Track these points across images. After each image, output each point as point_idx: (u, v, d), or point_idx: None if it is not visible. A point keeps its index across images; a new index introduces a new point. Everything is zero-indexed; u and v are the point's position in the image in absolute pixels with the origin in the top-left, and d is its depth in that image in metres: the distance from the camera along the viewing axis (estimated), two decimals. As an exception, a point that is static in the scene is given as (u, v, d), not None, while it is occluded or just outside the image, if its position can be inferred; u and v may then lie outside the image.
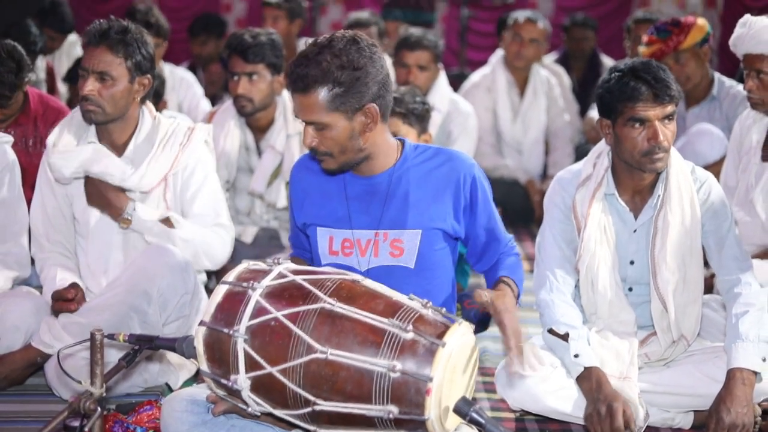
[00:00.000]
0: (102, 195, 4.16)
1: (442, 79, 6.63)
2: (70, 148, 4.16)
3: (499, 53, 7.52)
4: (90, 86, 4.06)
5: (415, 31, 6.67)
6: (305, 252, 3.73)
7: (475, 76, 7.60)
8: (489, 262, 3.64)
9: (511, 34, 7.35)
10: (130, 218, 4.14)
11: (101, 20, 4.10)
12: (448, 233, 3.52)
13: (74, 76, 6.30)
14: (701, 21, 5.84)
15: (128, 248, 4.24)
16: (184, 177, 4.25)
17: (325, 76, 3.24)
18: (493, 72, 7.44)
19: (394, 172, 3.49)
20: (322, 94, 3.26)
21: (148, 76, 4.16)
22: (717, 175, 4.48)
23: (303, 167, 3.64)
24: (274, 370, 2.97)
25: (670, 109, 3.76)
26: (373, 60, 3.30)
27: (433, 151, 3.56)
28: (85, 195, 4.20)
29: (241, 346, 3.00)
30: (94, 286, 4.25)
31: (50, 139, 4.21)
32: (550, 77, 7.60)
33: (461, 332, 3.01)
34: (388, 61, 3.32)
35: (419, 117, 4.59)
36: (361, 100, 3.29)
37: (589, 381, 3.71)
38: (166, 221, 4.18)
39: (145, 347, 3.22)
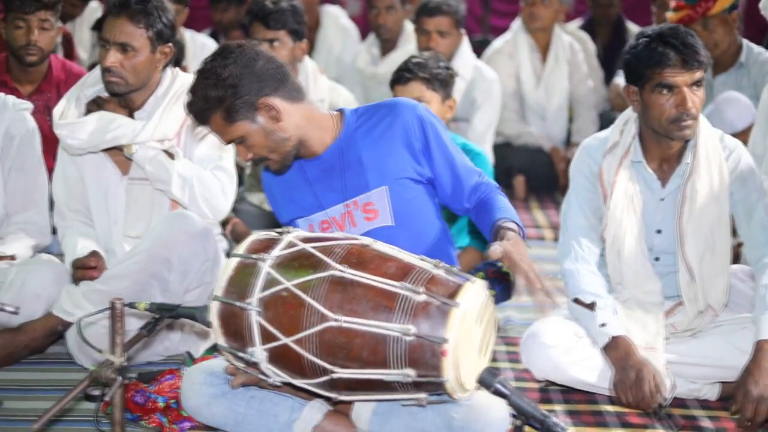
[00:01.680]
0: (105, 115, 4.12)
1: (465, 46, 6.55)
2: (74, 118, 4.12)
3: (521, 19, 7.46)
4: (112, 58, 4.02)
5: None
6: None
7: (497, 43, 7.56)
8: (467, 199, 3.56)
9: None
10: (133, 139, 4.06)
11: None
12: (414, 179, 3.50)
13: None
14: (730, -15, 5.76)
15: (131, 202, 4.19)
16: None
17: (206, 102, 3.32)
18: (514, 38, 7.39)
19: (341, 141, 3.50)
20: (217, 116, 3.34)
21: (170, 44, 4.12)
22: (745, 143, 4.41)
23: (268, 171, 3.65)
24: (289, 341, 2.96)
25: (698, 75, 3.70)
26: (241, 61, 3.32)
27: (373, 108, 3.56)
28: None
29: (255, 319, 2.99)
30: (117, 249, 4.22)
31: (57, 109, 4.17)
32: (573, 43, 7.54)
33: (475, 291, 2.98)
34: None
35: (443, 82, 4.55)
36: (251, 101, 3.32)
37: (617, 350, 3.68)
38: (168, 154, 4.12)
39: (166, 316, 3.20)
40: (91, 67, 7.12)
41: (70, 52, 7.26)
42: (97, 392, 3.05)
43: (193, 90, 3.35)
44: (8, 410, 3.63)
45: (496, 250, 3.15)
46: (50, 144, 4.55)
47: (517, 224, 3.34)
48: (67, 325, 3.98)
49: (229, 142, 3.42)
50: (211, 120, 3.36)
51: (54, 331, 4.02)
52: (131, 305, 3.13)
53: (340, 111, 3.57)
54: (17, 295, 3.95)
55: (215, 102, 3.31)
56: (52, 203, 4.39)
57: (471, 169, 3.58)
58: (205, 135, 4.11)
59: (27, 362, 4.02)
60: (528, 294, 3.25)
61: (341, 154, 3.49)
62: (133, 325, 3.59)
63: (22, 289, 4.00)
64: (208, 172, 4.16)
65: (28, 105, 4.29)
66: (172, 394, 3.53)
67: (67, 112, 4.14)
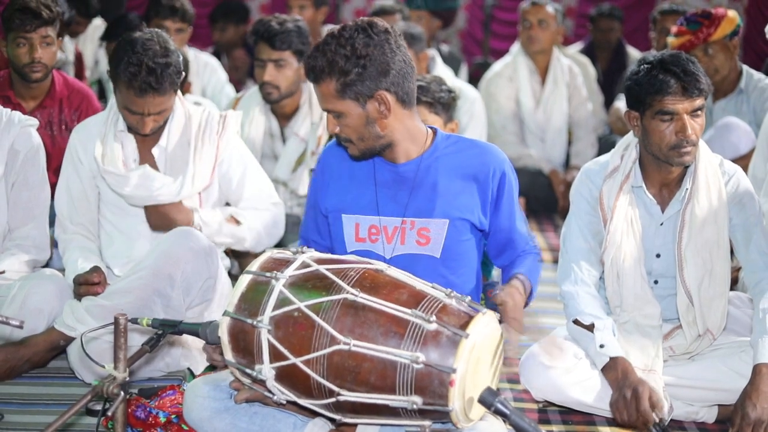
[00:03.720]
0: (166, 217, 4.26)
1: (440, 67, 6.58)
2: (118, 170, 4.22)
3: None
4: (151, 125, 4.14)
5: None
6: (316, 246, 3.69)
7: (497, 66, 7.60)
8: (508, 259, 3.64)
9: (521, 21, 7.37)
10: (200, 228, 4.22)
11: (132, 63, 4.01)
12: (475, 225, 3.51)
13: (112, 34, 6.38)
14: (732, 13, 5.79)
15: (155, 237, 4.29)
16: (226, 165, 4.36)
17: (330, 66, 3.30)
18: (514, 61, 7.44)
19: (423, 160, 3.48)
20: (332, 83, 3.32)
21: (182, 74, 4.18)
22: (744, 169, 4.44)
23: (334, 152, 3.65)
24: (298, 361, 2.97)
25: (699, 102, 3.73)
26: (383, 48, 3.31)
27: (467, 142, 3.56)
28: (148, 222, 4.30)
29: (265, 337, 3.01)
30: (117, 269, 4.27)
31: (97, 152, 4.25)
32: (573, 66, 7.57)
33: (485, 322, 3.00)
34: None
35: (445, 105, 4.57)
36: (372, 88, 3.32)
37: (615, 371, 3.70)
38: (231, 219, 4.31)
39: (169, 332, 3.22)
40: (94, 83, 7.19)
41: (80, 70, 7.31)
42: (98, 407, 3.06)
43: (322, 49, 3.32)
44: (9, 424, 3.62)
45: (497, 296, 3.29)
46: (52, 159, 4.57)
47: (530, 280, 3.49)
48: (69, 339, 3.98)
49: (325, 110, 3.40)
50: (323, 83, 3.33)
51: (56, 345, 4.02)
52: (134, 320, 3.15)
53: (434, 130, 3.57)
54: (20, 310, 3.96)
55: (338, 71, 3.29)
56: (52, 219, 4.40)
57: (525, 237, 3.64)
58: (242, 177, 4.36)
59: (28, 376, 4.02)
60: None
61: (419, 172, 3.48)
62: (135, 340, 3.61)
63: (24, 304, 4.00)
64: (268, 213, 4.43)
65: (35, 122, 4.30)
66: (174, 409, 3.54)
67: (106, 153, 4.24)
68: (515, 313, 3.29)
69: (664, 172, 3.85)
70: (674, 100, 3.71)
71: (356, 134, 3.39)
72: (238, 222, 4.36)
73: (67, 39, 7.15)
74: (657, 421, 3.61)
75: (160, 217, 4.26)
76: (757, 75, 5.83)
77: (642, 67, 3.80)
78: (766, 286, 3.78)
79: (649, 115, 3.76)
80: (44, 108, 5.10)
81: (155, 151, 4.27)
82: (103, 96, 7.37)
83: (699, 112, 3.75)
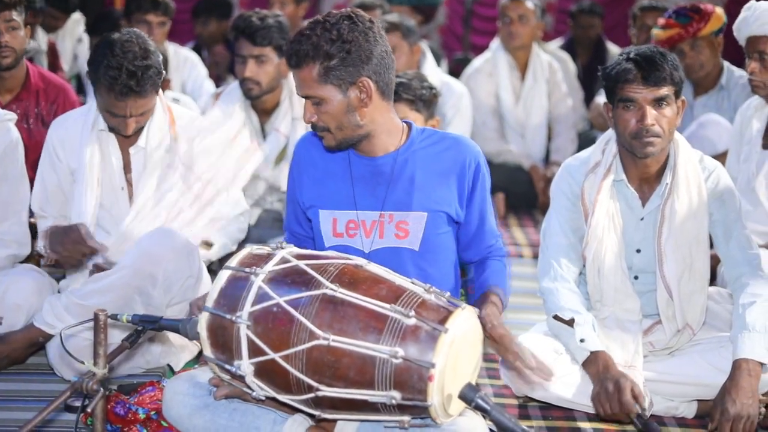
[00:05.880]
0: None
1: (430, 62, 6.59)
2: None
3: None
4: (133, 126, 4.11)
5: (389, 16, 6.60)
6: (301, 239, 3.70)
7: (477, 61, 7.61)
8: (476, 254, 3.64)
9: (501, 17, 7.38)
10: None
11: (112, 67, 3.96)
12: (452, 217, 3.52)
13: (96, 28, 6.34)
14: (719, 10, 5.86)
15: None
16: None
17: (315, 50, 3.28)
18: (494, 56, 7.44)
19: (400, 154, 3.49)
20: (314, 68, 3.30)
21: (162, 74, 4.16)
22: (724, 164, 4.47)
23: (309, 144, 3.63)
24: (277, 356, 2.97)
25: (663, 92, 3.74)
26: (367, 35, 3.32)
27: (440, 135, 3.57)
28: None
29: (244, 332, 3.00)
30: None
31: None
32: (552, 62, 7.59)
33: (464, 317, 3.00)
34: None
35: (426, 103, 4.57)
36: (354, 74, 3.31)
37: (596, 365, 3.71)
38: (203, 245, 4.31)
39: (149, 328, 3.21)
40: (73, 78, 7.16)
41: (54, 63, 7.26)
42: (78, 403, 3.05)
43: (307, 34, 3.31)
44: (-12, 420, 3.62)
45: (487, 321, 3.27)
46: (28, 153, 4.53)
47: (503, 293, 3.49)
48: (48, 336, 3.97)
49: (305, 96, 3.38)
50: (306, 67, 3.31)
51: (35, 342, 4.01)
52: (114, 317, 3.14)
53: (408, 124, 3.57)
54: (-2, 305, 3.95)
55: (322, 55, 3.28)
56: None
57: (494, 230, 3.65)
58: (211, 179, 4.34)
59: (7, 373, 4.01)
60: (518, 374, 3.33)
61: (396, 165, 3.48)
62: (115, 337, 3.59)
63: (3, 300, 4.00)
64: (232, 227, 4.49)
65: (12, 116, 4.27)
66: (153, 405, 3.53)
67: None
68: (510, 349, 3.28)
69: (641, 166, 3.86)
70: (634, 88, 3.74)
71: (335, 122, 3.37)
72: (209, 245, 4.36)
73: (40, 30, 7.10)
74: (639, 412, 3.62)
75: None
76: (738, 72, 5.86)
77: (617, 59, 3.82)
78: (747, 281, 3.80)
79: (616, 104, 3.80)
80: (20, 101, 5.04)
81: (132, 150, 4.23)
82: (81, 91, 7.34)
83: (664, 103, 3.76)
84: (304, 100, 3.40)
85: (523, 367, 3.28)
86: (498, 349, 3.30)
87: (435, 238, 3.50)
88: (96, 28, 6.48)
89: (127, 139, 4.22)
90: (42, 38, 7.29)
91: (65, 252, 4.03)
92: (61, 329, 3.29)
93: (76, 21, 8.20)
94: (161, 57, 4.13)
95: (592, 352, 3.73)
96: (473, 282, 3.67)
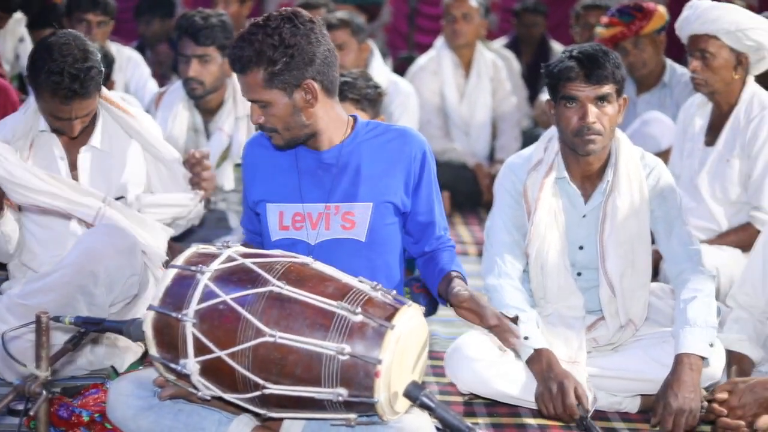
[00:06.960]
0: None
1: (378, 60, 6.60)
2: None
3: (444, 36, 7.54)
4: (79, 127, 4.05)
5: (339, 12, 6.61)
6: (257, 236, 3.72)
7: (422, 60, 7.63)
8: (427, 245, 3.64)
9: (445, 15, 7.40)
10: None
11: (53, 72, 3.88)
12: (398, 207, 3.53)
13: (38, 22, 6.25)
14: (662, 8, 5.94)
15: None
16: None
17: (258, 55, 3.29)
18: (438, 54, 7.47)
19: (345, 146, 3.50)
20: (259, 73, 3.31)
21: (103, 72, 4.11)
22: (666, 162, 4.52)
23: (256, 144, 3.66)
24: (223, 354, 2.95)
25: (604, 90, 3.78)
26: (309, 37, 3.32)
27: (385, 127, 3.59)
28: None
29: (190, 330, 2.98)
30: (34, 265, 4.19)
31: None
32: (496, 60, 7.63)
33: (410, 315, 3.01)
34: None
35: (372, 101, 4.58)
36: (299, 77, 3.33)
37: (540, 362, 3.73)
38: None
39: (92, 330, 3.19)
40: (15, 78, 7.05)
41: (-6, 64, 7.15)
42: (20, 407, 3.02)
43: (248, 39, 3.31)
44: (-71, 425, 3.58)
45: (462, 293, 3.32)
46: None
47: (463, 276, 3.51)
48: (-10, 339, 3.93)
49: (251, 101, 3.39)
50: (250, 73, 3.32)
51: (-24, 345, 3.96)
52: (56, 319, 3.11)
53: (354, 118, 3.58)
54: (-61, 308, 3.90)
55: (266, 61, 3.28)
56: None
57: (443, 222, 3.65)
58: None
59: (-52, 376, 3.96)
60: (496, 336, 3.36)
61: (341, 158, 3.49)
62: (58, 339, 3.55)
63: (-57, 302, 3.95)
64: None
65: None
66: (97, 408, 3.50)
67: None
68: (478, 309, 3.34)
69: (583, 163, 3.89)
70: (576, 86, 3.78)
71: (282, 124, 3.39)
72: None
73: None
74: (582, 414, 3.64)
75: None
76: (681, 69, 5.94)
77: (560, 57, 3.85)
78: (688, 277, 3.85)
79: (558, 101, 3.83)
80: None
81: (84, 149, 4.18)
82: (24, 90, 7.25)
83: (606, 101, 3.79)
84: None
85: (507, 322, 3.32)
86: (476, 319, 3.33)
87: (381, 228, 3.51)
88: (38, 23, 6.39)
89: (74, 140, 4.17)
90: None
91: None
92: (3, 332, 3.25)
93: (18, 20, 8.07)
94: (105, 54, 4.09)
95: (535, 350, 3.75)
96: (422, 278, 3.69)
